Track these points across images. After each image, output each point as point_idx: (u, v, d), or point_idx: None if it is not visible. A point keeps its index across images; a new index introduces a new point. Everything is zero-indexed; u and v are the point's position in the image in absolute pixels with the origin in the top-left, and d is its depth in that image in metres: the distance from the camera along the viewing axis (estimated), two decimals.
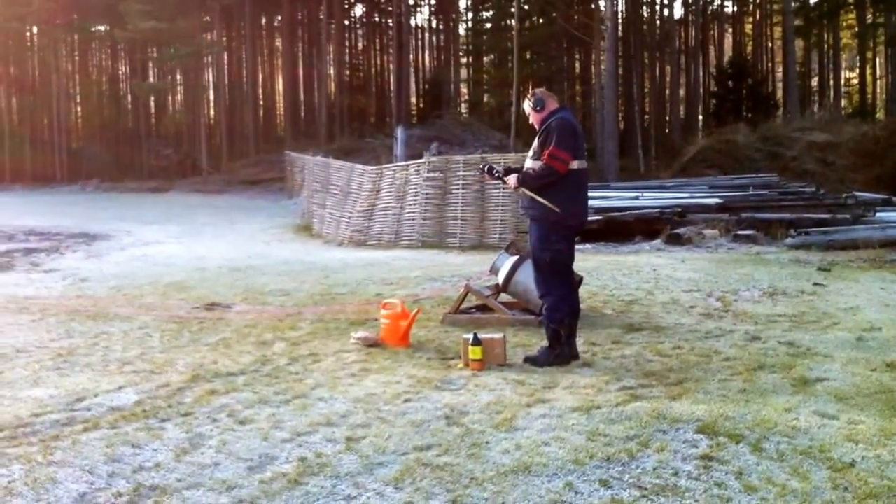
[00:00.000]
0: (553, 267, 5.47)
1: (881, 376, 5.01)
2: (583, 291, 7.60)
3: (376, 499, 3.30)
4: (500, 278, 7.05)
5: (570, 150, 5.30)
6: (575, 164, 5.34)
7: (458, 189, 14.04)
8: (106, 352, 6.11)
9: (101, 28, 43.18)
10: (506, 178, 5.62)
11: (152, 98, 43.10)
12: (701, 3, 41.94)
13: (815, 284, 8.72)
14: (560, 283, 5.48)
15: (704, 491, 3.33)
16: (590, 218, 13.87)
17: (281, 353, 5.92)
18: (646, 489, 3.34)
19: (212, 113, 44.08)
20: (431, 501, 3.26)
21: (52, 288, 9.64)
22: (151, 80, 43.06)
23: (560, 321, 5.40)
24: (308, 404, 4.58)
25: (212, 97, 43.89)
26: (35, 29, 40.88)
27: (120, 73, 46.63)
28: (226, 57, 42.67)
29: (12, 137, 38.04)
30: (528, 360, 5.43)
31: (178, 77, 43.01)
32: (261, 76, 46.50)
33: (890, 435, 3.91)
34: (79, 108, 44.64)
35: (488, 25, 44.71)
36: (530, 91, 5.64)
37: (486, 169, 5.95)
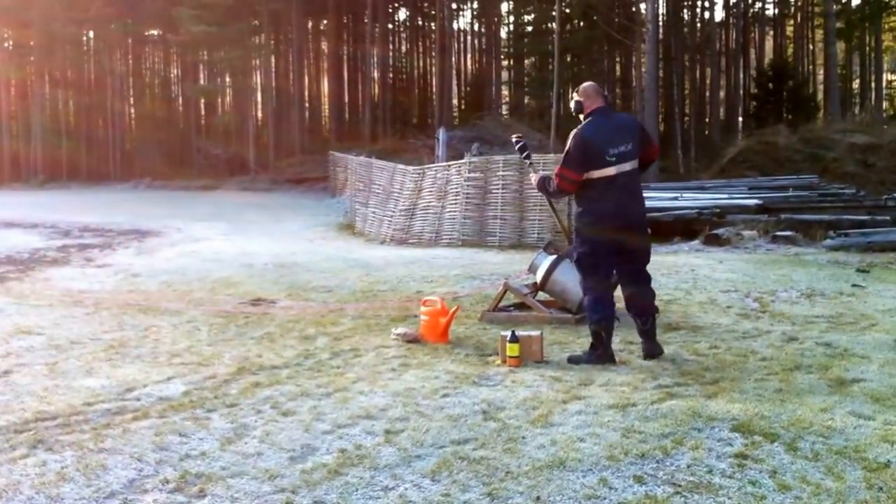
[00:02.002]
0: (580, 267, 5.56)
1: None
2: (620, 291, 7.62)
3: (414, 490, 3.34)
4: (539, 277, 7.08)
5: (578, 168, 5.34)
6: (595, 174, 5.31)
7: (498, 189, 14.08)
8: (156, 344, 6.24)
9: (155, 32, 44.18)
10: (530, 175, 6.10)
11: (202, 99, 43.90)
12: (742, 5, 41.33)
13: (854, 286, 8.61)
14: (593, 285, 5.50)
15: (738, 489, 3.34)
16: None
17: (323, 348, 6.02)
18: (680, 486, 3.35)
19: (259, 114, 44.66)
20: (467, 494, 3.30)
21: (104, 282, 9.86)
22: (202, 82, 43.83)
23: (598, 322, 5.42)
24: (349, 397, 4.65)
25: (259, 99, 44.49)
26: (91, 33, 41.96)
27: (172, 75, 47.54)
28: (273, 60, 43.22)
29: (69, 137, 39.09)
30: (570, 360, 5.47)
31: (228, 79, 43.70)
32: (307, 78, 46.94)
33: None
34: (132, 109, 45.61)
35: (530, 28, 44.52)
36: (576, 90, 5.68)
37: (519, 146, 6.15)
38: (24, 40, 37.85)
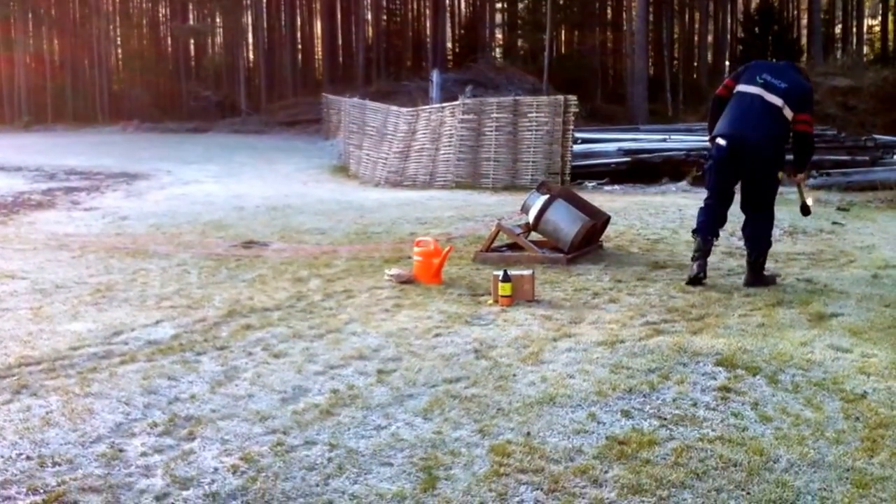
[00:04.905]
0: (706, 177, 6.07)
1: (894, 312, 5.08)
2: (610, 230, 7.68)
3: (406, 429, 3.37)
4: (531, 217, 7.09)
5: (734, 75, 6.07)
6: (739, 87, 5.83)
7: (491, 131, 14.02)
8: (144, 288, 6.10)
9: None
10: None
11: (192, 40, 43.08)
12: None
13: (834, 224, 8.79)
14: (706, 196, 5.97)
15: (721, 421, 3.41)
16: (618, 160, 14.06)
17: (316, 290, 5.97)
18: (665, 419, 3.42)
19: (251, 55, 43.92)
20: (459, 431, 3.33)
21: (91, 226, 9.70)
22: (191, 22, 42.95)
23: (695, 230, 5.92)
24: (341, 339, 4.64)
25: (251, 40, 43.68)
26: None
27: (160, 15, 46.56)
28: (265, 0, 42.35)
29: (54, 79, 38.38)
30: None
31: (218, 19, 42.81)
32: (299, 20, 46.11)
33: None
34: (119, 51, 44.76)
35: None
36: None
37: None
38: None
